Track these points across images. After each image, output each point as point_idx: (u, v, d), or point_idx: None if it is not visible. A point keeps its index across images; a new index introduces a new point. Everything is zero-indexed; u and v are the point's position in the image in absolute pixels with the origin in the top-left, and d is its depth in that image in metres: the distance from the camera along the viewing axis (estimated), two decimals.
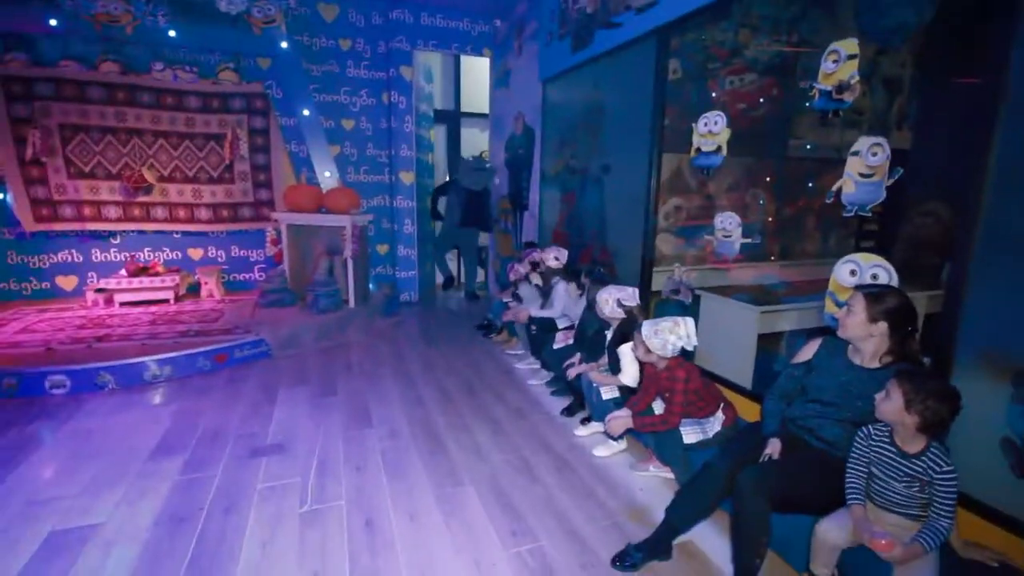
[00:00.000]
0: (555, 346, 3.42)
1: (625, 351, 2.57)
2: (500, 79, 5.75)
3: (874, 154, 1.86)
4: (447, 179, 7.08)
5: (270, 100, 5.36)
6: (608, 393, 2.65)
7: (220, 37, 4.98)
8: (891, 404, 1.48)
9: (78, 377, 3.42)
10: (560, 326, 3.57)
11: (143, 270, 5.16)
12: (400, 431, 2.97)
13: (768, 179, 3.73)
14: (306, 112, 5.26)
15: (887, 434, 1.56)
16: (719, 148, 2.66)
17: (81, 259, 5.27)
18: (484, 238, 6.56)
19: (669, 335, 2.17)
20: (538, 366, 3.93)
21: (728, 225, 2.60)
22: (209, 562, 1.92)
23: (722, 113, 2.66)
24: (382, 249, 6.14)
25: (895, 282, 1.82)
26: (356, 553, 1.99)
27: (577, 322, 3.32)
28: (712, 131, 2.71)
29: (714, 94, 3.35)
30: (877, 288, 1.71)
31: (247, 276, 5.85)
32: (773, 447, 1.82)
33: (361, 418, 3.12)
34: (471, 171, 5.92)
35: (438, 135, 7.17)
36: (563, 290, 3.55)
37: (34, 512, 2.18)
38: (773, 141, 3.64)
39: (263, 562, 1.93)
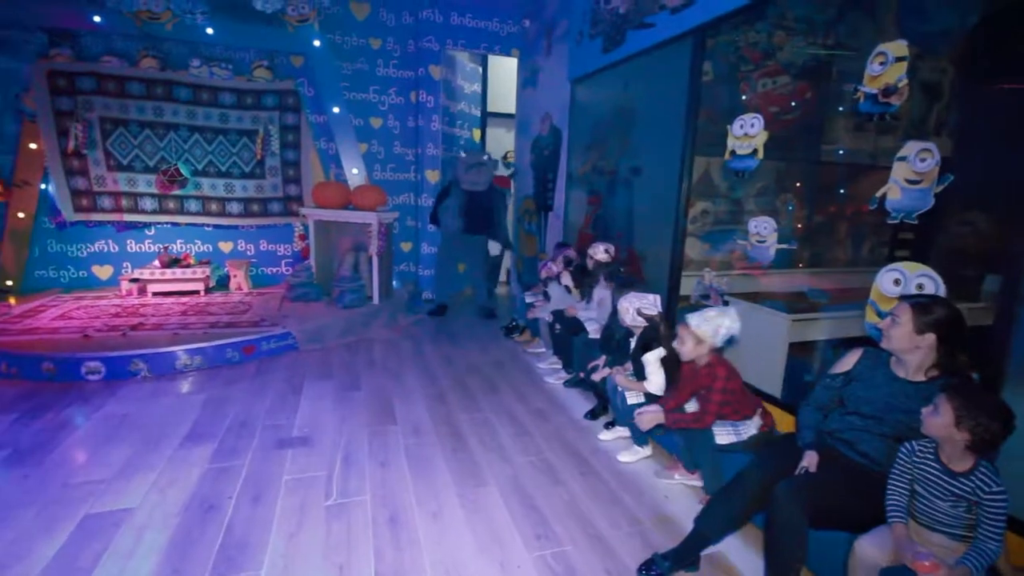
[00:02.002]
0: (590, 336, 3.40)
1: (650, 359, 2.53)
2: (528, 79, 5.74)
3: (922, 160, 1.79)
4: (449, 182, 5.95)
5: (301, 98, 5.44)
6: (633, 398, 2.61)
7: (255, 35, 5.06)
8: (939, 420, 1.42)
9: (113, 364, 3.51)
10: (588, 328, 3.53)
11: (175, 261, 5.28)
12: (423, 428, 2.97)
13: (799, 184, 3.65)
14: (336, 109, 5.32)
15: (932, 451, 1.51)
16: (755, 151, 2.60)
17: (117, 249, 5.42)
18: (496, 248, 5.52)
19: (721, 320, 2.13)
20: (559, 365, 3.90)
21: (763, 230, 2.54)
22: (237, 552, 1.95)
23: (759, 115, 2.60)
24: (406, 247, 6.18)
25: (943, 292, 1.75)
26: (381, 548, 1.99)
27: (604, 324, 3.28)
28: (748, 133, 2.65)
29: (745, 96, 3.29)
30: (924, 298, 1.65)
31: (275, 270, 5.95)
32: (810, 459, 1.77)
33: (385, 414, 3.14)
34: (468, 168, 5.06)
35: (495, 136, 7.05)
36: (603, 286, 3.51)
37: (69, 495, 2.25)
38: (805, 145, 3.55)
39: (289, 553, 1.95)
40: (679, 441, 2.39)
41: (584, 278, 3.81)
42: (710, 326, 2.13)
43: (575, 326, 3.65)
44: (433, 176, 5.91)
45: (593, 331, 3.51)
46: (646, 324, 2.62)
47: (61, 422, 2.92)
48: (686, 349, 2.21)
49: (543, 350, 4.21)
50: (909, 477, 1.54)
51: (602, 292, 3.53)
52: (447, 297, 5.56)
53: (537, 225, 5.47)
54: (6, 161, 4.80)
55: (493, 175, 5.24)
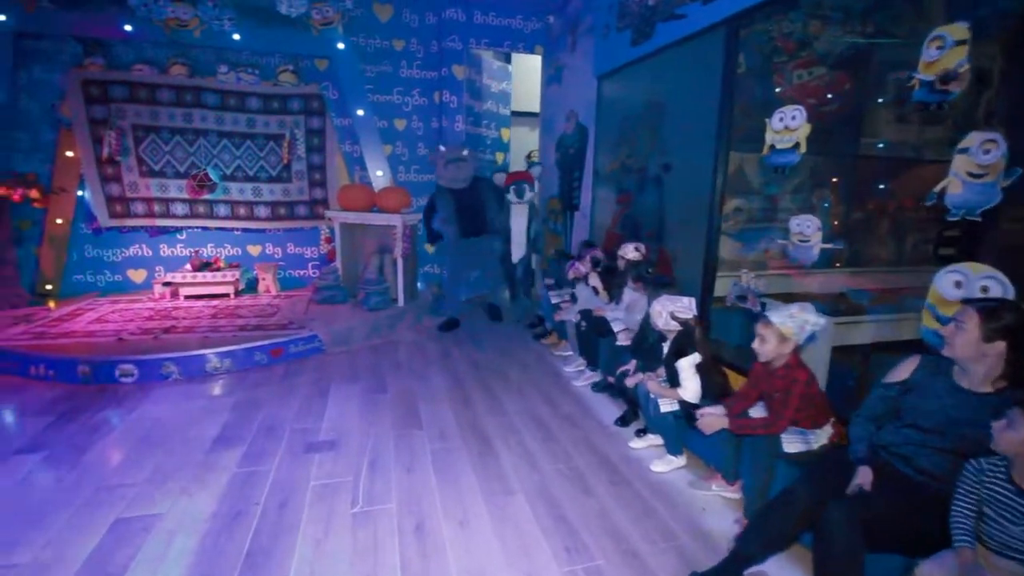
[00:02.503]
0: (618, 343, 3.29)
1: (684, 365, 2.43)
2: (552, 76, 5.65)
3: (987, 151, 1.65)
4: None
5: (326, 101, 5.46)
6: (667, 406, 2.51)
7: (280, 39, 5.11)
8: (1014, 436, 1.30)
9: (145, 367, 3.57)
10: (616, 328, 3.43)
11: (206, 265, 5.37)
12: (449, 432, 2.93)
13: (836, 179, 3.47)
14: (360, 112, 5.33)
15: (1003, 469, 1.38)
16: (797, 145, 2.47)
17: (151, 253, 5.54)
18: (519, 250, 5.15)
19: (805, 315, 2.01)
20: (584, 367, 3.82)
21: (806, 229, 2.41)
22: (264, 559, 1.93)
23: (800, 107, 2.47)
24: (430, 248, 6.16)
25: (1011, 296, 1.61)
26: (407, 558, 1.95)
27: (637, 327, 3.18)
28: (789, 127, 2.52)
29: (780, 89, 3.14)
30: (992, 303, 1.52)
31: (302, 273, 6.00)
32: (864, 476, 1.65)
33: (411, 418, 3.10)
34: (446, 164, 4.65)
35: (519, 136, 6.95)
36: (631, 287, 3.41)
37: (101, 499, 2.27)
38: (844, 139, 3.38)
39: (316, 561, 1.92)
40: (724, 450, 2.28)
41: (613, 279, 3.71)
42: (795, 322, 2.00)
43: (602, 326, 3.56)
44: None
45: (621, 333, 3.41)
46: (680, 328, 2.52)
47: (95, 425, 2.97)
48: (768, 348, 2.07)
49: (570, 353, 4.12)
50: (976, 497, 1.41)
51: (632, 293, 3.42)
52: (458, 311, 5.11)
53: (563, 225, 5.38)
54: (44, 169, 4.95)
55: (474, 169, 4.86)
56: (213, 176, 5.30)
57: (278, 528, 2.11)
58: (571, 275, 3.93)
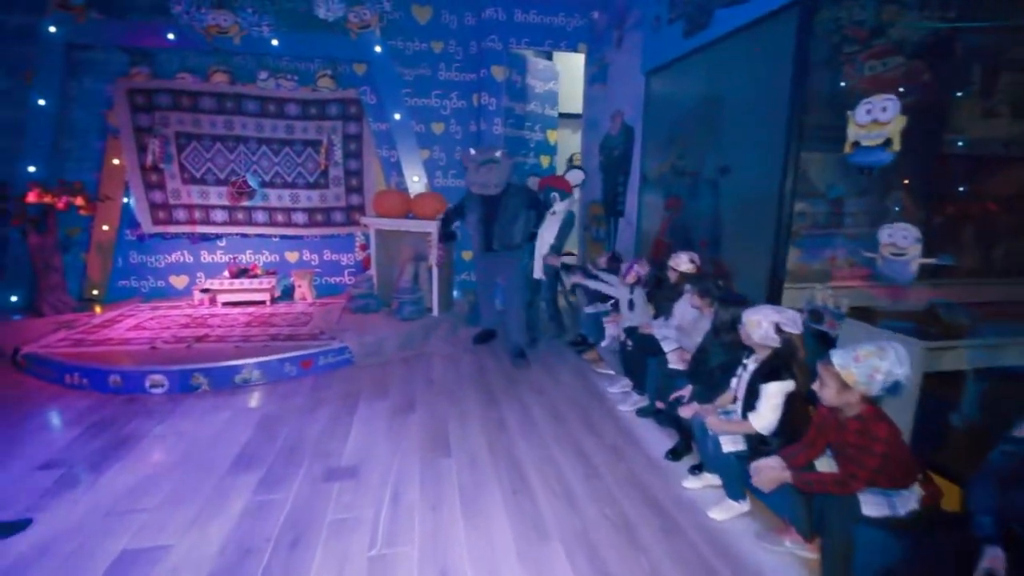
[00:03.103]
0: (670, 365, 2.94)
1: (773, 391, 2.06)
2: (596, 75, 5.35)
3: None
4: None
5: (364, 106, 5.36)
6: (731, 445, 2.16)
7: (318, 44, 5.05)
8: None
9: (175, 378, 3.50)
10: (666, 348, 3.10)
11: (243, 272, 5.35)
12: (480, 461, 2.67)
13: (912, 180, 3.04)
14: (398, 116, 5.19)
15: None
16: (888, 141, 2.09)
17: (192, 260, 5.58)
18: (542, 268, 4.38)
19: (878, 361, 1.61)
20: (630, 389, 3.49)
21: (901, 240, 2.03)
22: None
23: (893, 97, 2.10)
24: (467, 255, 5.96)
25: None
26: None
27: (693, 348, 2.84)
28: (879, 120, 2.15)
29: (849, 82, 2.76)
30: None
31: (338, 280, 5.92)
32: (994, 560, 1.29)
33: (439, 442, 2.87)
34: (477, 167, 3.95)
35: (561, 138, 6.55)
36: (688, 302, 3.04)
37: (111, 526, 2.13)
38: (923, 136, 2.95)
39: None
40: (796, 500, 1.92)
41: (660, 292, 3.37)
42: (862, 369, 1.62)
43: (650, 345, 3.22)
44: None
45: (672, 354, 3.07)
46: (778, 345, 2.12)
47: (120, 440, 2.89)
48: (828, 395, 1.73)
49: (614, 372, 3.78)
50: None
51: (688, 309, 3.08)
52: (494, 322, 4.69)
53: (606, 232, 5.06)
54: (92, 177, 5.05)
55: (509, 173, 4.04)
56: (252, 183, 5.28)
57: (288, 571, 1.90)
58: (629, 279, 3.57)
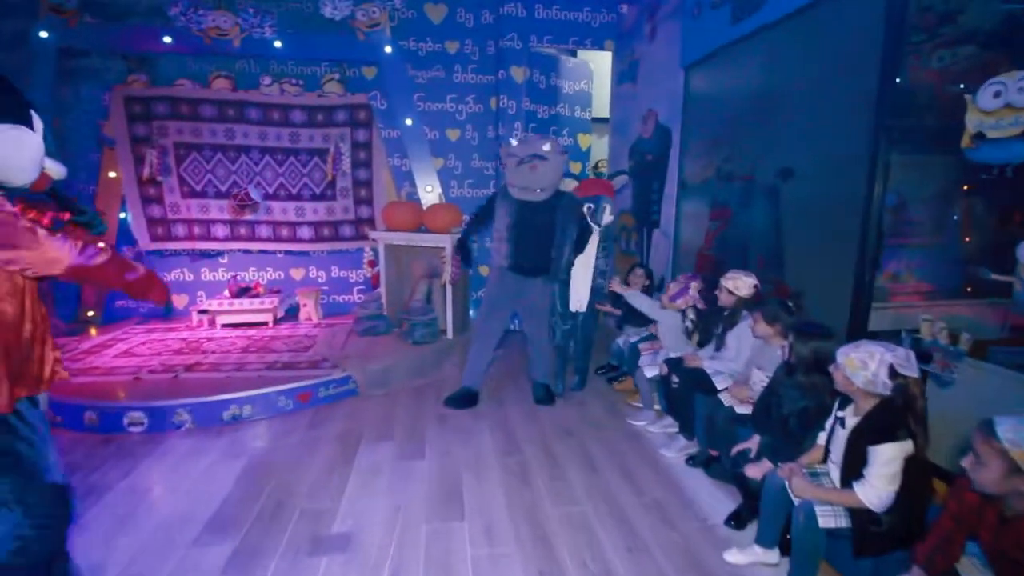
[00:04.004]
0: (735, 408, 2.42)
1: (889, 455, 1.55)
2: (624, 73, 4.91)
3: None
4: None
5: (373, 112, 5.00)
6: (831, 519, 1.65)
7: (324, 45, 4.70)
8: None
9: (156, 415, 3.11)
10: (719, 385, 2.60)
11: (244, 291, 5.00)
12: (499, 528, 2.20)
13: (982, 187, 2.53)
14: (409, 122, 4.80)
15: None
16: None
17: (192, 278, 5.26)
18: (579, 298, 3.54)
19: None
20: (675, 427, 2.99)
21: None
22: None
23: None
24: (484, 270, 5.52)
25: None
26: None
27: (763, 389, 2.33)
28: (1013, 104, 1.65)
29: (912, 75, 2.28)
30: None
31: (346, 298, 5.54)
32: None
33: (451, 500, 2.40)
34: (519, 163, 3.06)
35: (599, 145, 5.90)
36: (748, 331, 2.52)
37: None
38: None
39: None
40: None
41: (707, 315, 2.88)
42: None
43: (699, 381, 2.72)
44: None
45: (726, 393, 2.56)
46: (888, 393, 1.61)
47: (87, 489, 2.49)
48: (986, 477, 1.24)
49: (657, 408, 3.24)
50: None
51: (748, 339, 2.58)
52: (479, 380, 3.52)
53: (638, 244, 4.57)
54: (88, 190, 4.77)
55: (561, 175, 3.18)
56: (254, 195, 4.94)
57: None
58: (680, 303, 3.07)
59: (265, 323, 4.88)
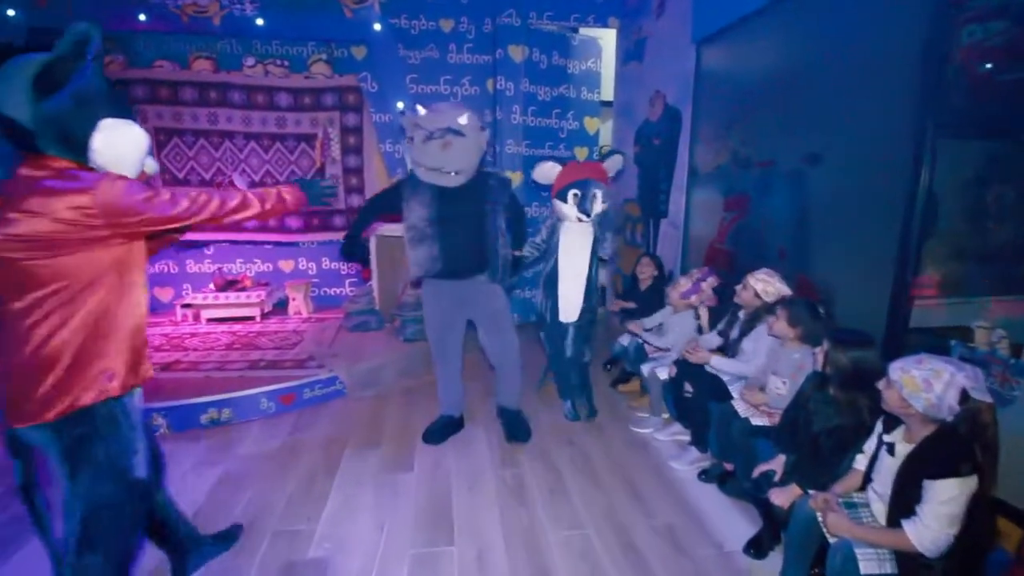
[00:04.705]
0: (751, 419, 2.17)
1: (949, 492, 1.30)
2: (630, 52, 4.60)
3: None
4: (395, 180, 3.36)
5: (364, 95, 4.72)
6: (874, 565, 1.42)
7: (309, 23, 4.41)
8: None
9: None
10: (735, 394, 2.36)
11: (231, 284, 4.77)
12: (492, 553, 1.98)
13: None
14: (401, 105, 4.53)
15: None
16: None
17: (177, 270, 5.03)
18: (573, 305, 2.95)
19: None
20: (685, 435, 2.76)
21: None
22: None
23: None
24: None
25: None
26: None
27: (776, 393, 2.10)
28: None
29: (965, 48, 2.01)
30: None
31: (338, 291, 5.30)
32: None
33: (440, 521, 2.18)
34: (426, 144, 2.34)
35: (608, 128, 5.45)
36: (765, 332, 2.27)
37: None
38: None
39: None
40: None
41: (727, 318, 2.63)
42: None
43: (715, 387, 2.49)
44: (515, 178, 4.94)
45: (742, 402, 2.33)
46: (950, 419, 1.37)
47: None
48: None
49: (666, 415, 3.00)
50: None
51: (760, 340, 2.34)
52: (459, 405, 2.97)
53: (644, 236, 4.31)
54: None
55: (480, 153, 2.48)
56: (239, 183, 4.67)
57: None
58: (694, 298, 2.82)
59: (252, 318, 4.66)
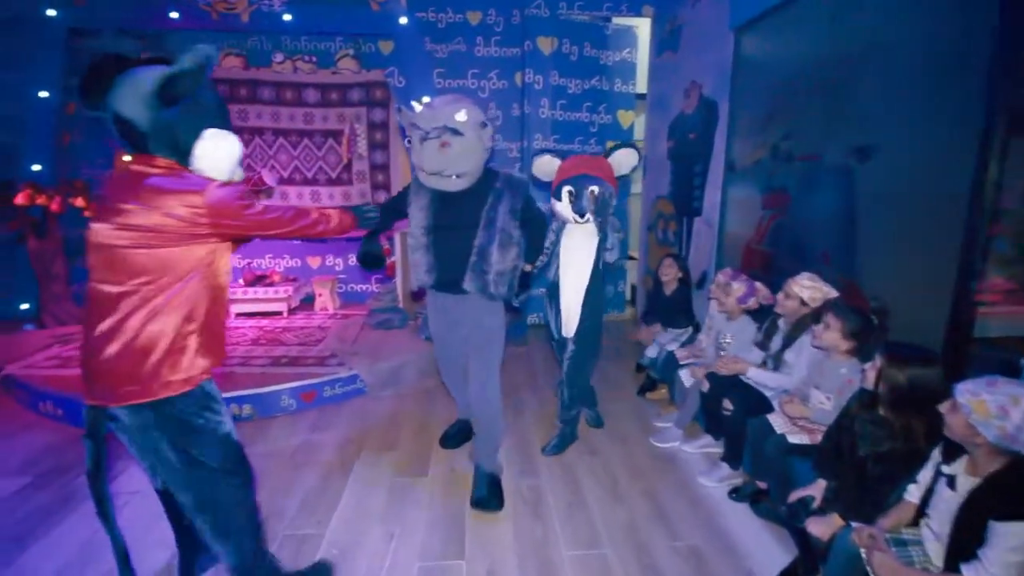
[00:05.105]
0: (788, 437, 1.99)
1: (1019, 536, 1.14)
2: (664, 41, 4.40)
3: None
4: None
5: (391, 90, 4.67)
6: None
7: (336, 17, 4.39)
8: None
9: None
10: (777, 406, 2.18)
11: (260, 279, 4.82)
12: (503, 569, 1.89)
13: None
14: (426, 99, 4.44)
15: None
16: None
17: None
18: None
19: None
20: (714, 450, 2.59)
21: None
22: None
23: None
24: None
25: None
26: None
27: (820, 410, 1.92)
28: None
29: None
30: None
31: (364, 287, 5.30)
32: None
33: (451, 531, 2.10)
34: (424, 144, 2.09)
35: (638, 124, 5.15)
36: (807, 343, 2.10)
37: None
38: None
39: None
40: None
41: (769, 328, 2.44)
42: None
43: (754, 401, 2.32)
44: None
45: (777, 414, 2.15)
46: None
47: (62, 499, 2.32)
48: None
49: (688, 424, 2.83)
50: None
51: (803, 351, 2.16)
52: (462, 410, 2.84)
53: (676, 234, 4.12)
54: (103, 176, 4.64)
55: (485, 153, 2.19)
56: (268, 180, 4.71)
57: None
58: (752, 301, 2.62)
59: (279, 312, 4.69)
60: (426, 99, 2.26)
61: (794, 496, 1.75)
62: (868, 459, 1.59)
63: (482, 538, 2.05)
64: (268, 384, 3.18)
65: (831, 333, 1.93)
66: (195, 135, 1.36)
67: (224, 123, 1.45)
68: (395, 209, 2.40)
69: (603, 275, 2.62)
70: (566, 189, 2.41)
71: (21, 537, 2.08)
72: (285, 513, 2.21)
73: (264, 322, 4.51)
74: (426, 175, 2.16)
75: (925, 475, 1.42)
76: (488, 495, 2.26)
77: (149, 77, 1.30)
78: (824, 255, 2.43)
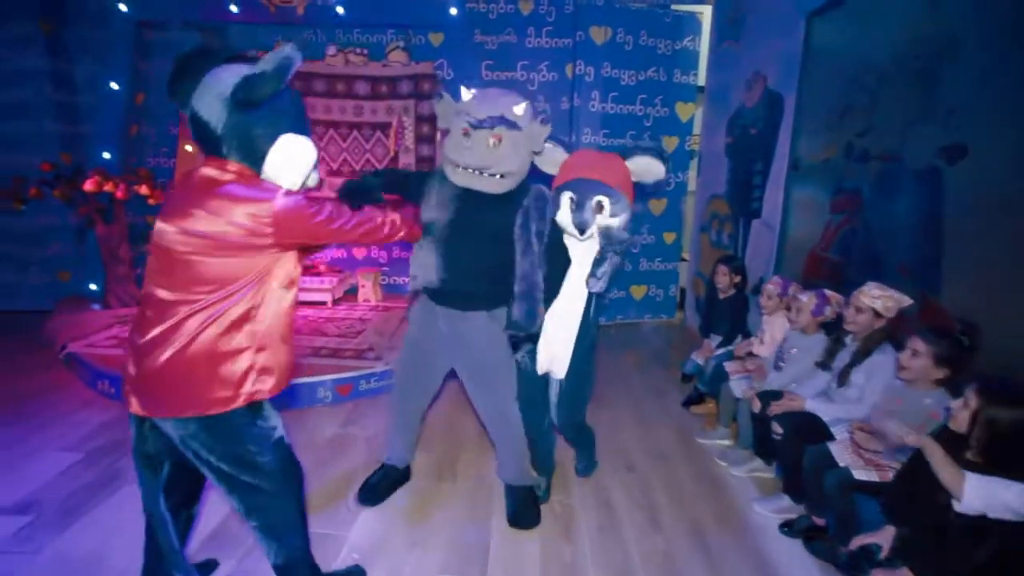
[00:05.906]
0: (852, 471, 1.77)
1: None
2: (725, 31, 4.12)
3: None
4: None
5: (439, 82, 4.62)
6: None
7: (386, 8, 4.37)
8: None
9: None
10: (838, 436, 1.96)
11: (306, 269, 4.91)
12: None
13: None
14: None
15: None
16: None
17: None
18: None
19: None
20: (768, 474, 2.38)
21: None
22: None
23: None
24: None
25: None
26: None
27: (905, 463, 1.69)
28: None
29: None
30: None
31: (406, 280, 5.29)
32: None
33: (474, 546, 2.01)
34: (469, 134, 1.80)
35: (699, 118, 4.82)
36: (882, 366, 1.86)
37: None
38: None
39: None
40: None
41: (832, 347, 2.21)
42: None
43: (805, 425, 2.10)
44: None
45: (841, 444, 1.93)
46: None
47: (109, 476, 2.42)
48: None
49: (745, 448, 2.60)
50: None
51: (876, 375, 1.92)
52: (408, 452, 2.36)
53: (732, 237, 3.86)
54: (169, 164, 4.87)
55: (529, 156, 1.89)
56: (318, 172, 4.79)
57: None
58: (829, 311, 2.36)
59: (324, 303, 4.77)
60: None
61: (857, 542, 1.55)
62: (950, 511, 1.37)
63: (507, 555, 1.96)
64: (307, 375, 3.20)
65: (920, 360, 1.69)
66: (270, 141, 1.31)
67: (302, 128, 1.38)
68: (408, 186, 2.07)
69: (598, 304, 2.03)
70: (567, 195, 1.85)
71: (70, 511, 2.16)
72: (312, 507, 2.19)
73: (308, 312, 4.58)
74: (460, 171, 1.83)
75: None
76: (521, 511, 2.13)
77: (229, 79, 1.25)
78: (901, 267, 2.17)
